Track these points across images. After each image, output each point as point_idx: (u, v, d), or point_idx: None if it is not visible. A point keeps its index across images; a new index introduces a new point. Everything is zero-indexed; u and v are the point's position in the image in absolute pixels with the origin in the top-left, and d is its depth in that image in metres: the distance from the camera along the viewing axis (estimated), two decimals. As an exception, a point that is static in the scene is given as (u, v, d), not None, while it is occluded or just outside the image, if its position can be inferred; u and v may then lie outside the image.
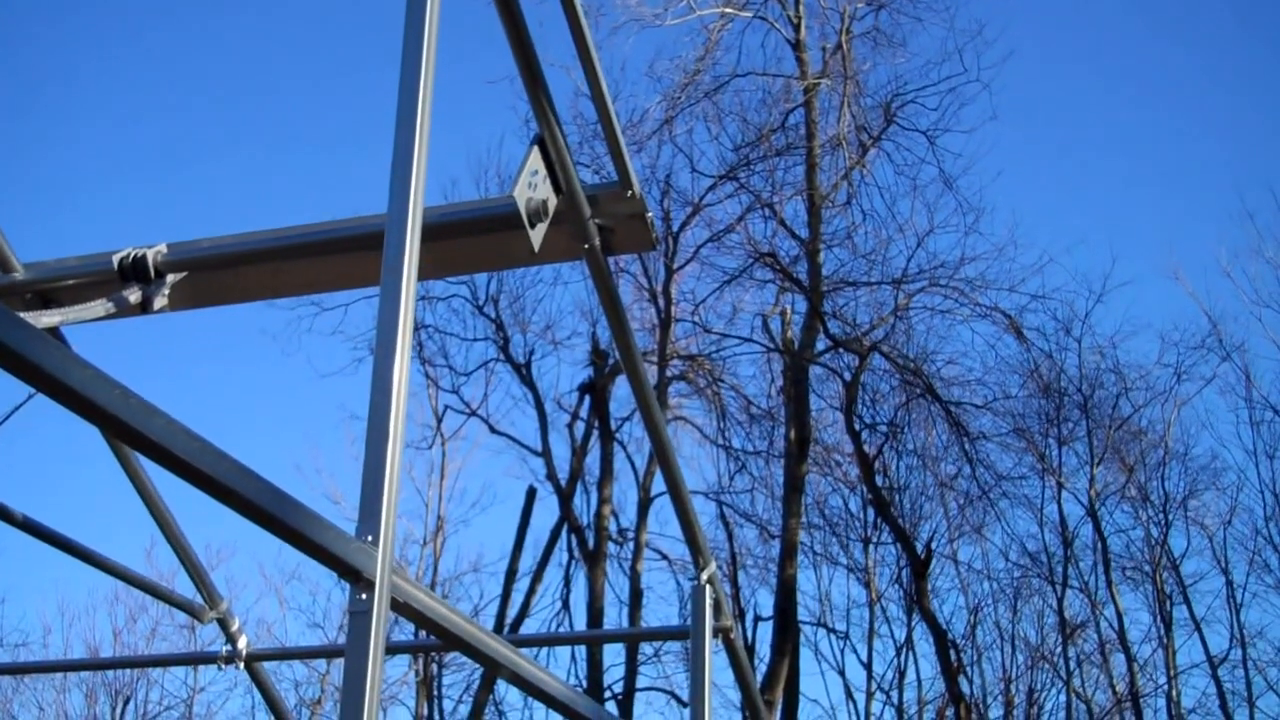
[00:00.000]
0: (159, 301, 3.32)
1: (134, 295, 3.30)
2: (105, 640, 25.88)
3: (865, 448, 19.90)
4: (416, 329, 21.87)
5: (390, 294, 2.34)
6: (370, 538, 2.15)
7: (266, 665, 5.62)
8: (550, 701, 3.00)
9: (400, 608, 2.26)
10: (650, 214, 3.28)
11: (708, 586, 4.06)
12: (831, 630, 23.37)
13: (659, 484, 20.75)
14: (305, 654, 10.13)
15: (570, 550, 21.79)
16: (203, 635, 22.09)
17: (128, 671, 25.56)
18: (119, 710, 25.93)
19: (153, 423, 1.75)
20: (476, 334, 22.43)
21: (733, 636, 4.34)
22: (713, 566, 4.08)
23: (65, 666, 14.56)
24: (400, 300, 2.34)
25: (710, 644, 3.95)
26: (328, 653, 9.39)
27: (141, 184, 31.46)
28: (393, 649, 10.45)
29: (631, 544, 21.23)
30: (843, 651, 23.34)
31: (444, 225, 3.24)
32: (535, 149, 3.00)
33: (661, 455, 3.79)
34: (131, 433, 1.75)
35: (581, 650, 20.59)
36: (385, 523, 2.17)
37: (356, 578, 2.11)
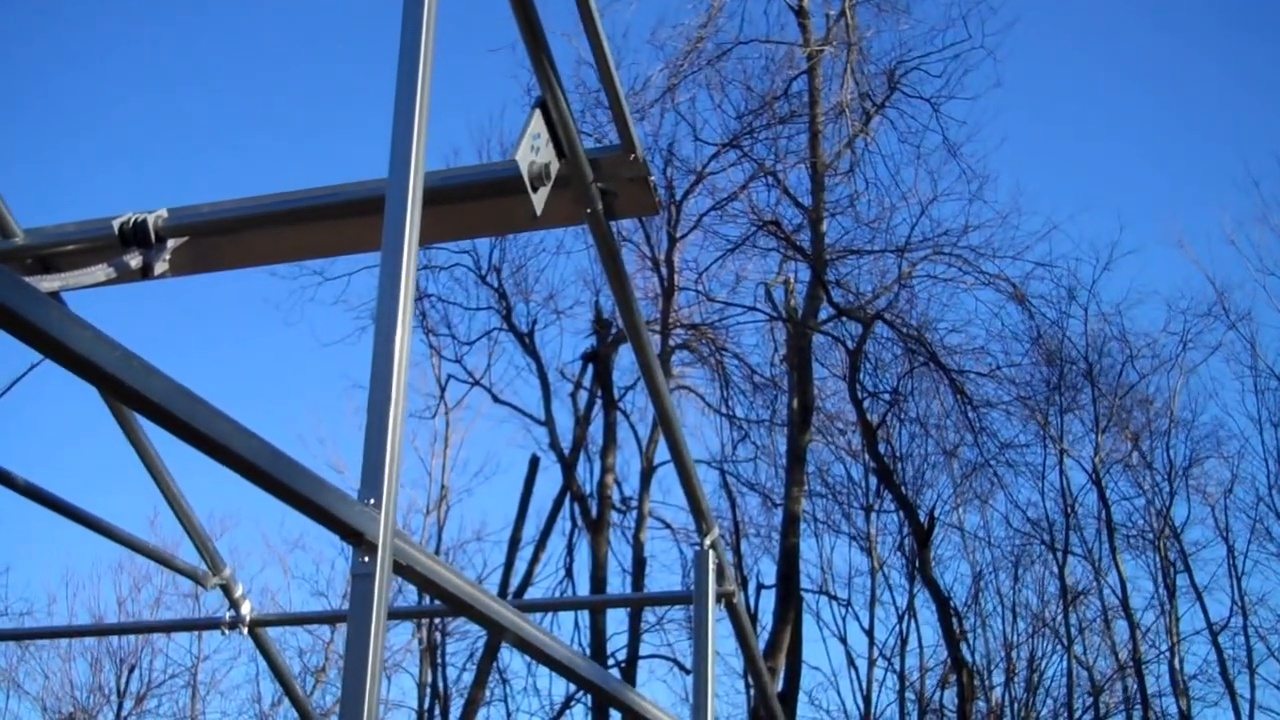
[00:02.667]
0: (160, 267, 3.31)
1: (134, 260, 3.29)
2: (110, 609, 26.04)
3: (868, 416, 19.91)
4: (419, 298, 21.97)
5: (391, 257, 2.33)
6: (372, 500, 2.15)
7: (271, 632, 5.64)
8: (553, 664, 3.00)
9: (403, 570, 2.26)
10: (653, 177, 3.27)
11: (711, 551, 4.06)
12: (834, 598, 23.47)
13: (662, 453, 20.79)
14: (309, 619, 10.18)
15: (573, 519, 21.85)
16: (207, 604, 22.18)
17: (132, 640, 25.70)
18: (124, 678, 26.08)
19: (152, 383, 1.74)
20: (479, 303, 22.43)
21: (735, 601, 4.34)
22: (716, 531, 4.08)
23: (69, 633, 14.64)
24: (402, 263, 2.33)
25: (713, 608, 3.95)
26: (331, 618, 9.43)
27: (142, 150, 31.45)
28: (395, 614, 10.49)
29: (634, 513, 21.29)
30: (845, 619, 23.44)
31: (446, 189, 3.22)
32: (537, 112, 2.98)
33: (664, 420, 3.79)
34: (131, 393, 1.74)
35: (585, 618, 20.66)
36: (387, 485, 2.17)
37: (359, 540, 2.11)
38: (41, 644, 25.27)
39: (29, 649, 25.47)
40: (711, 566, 4.02)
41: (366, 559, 2.12)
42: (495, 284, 22.16)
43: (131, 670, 26.07)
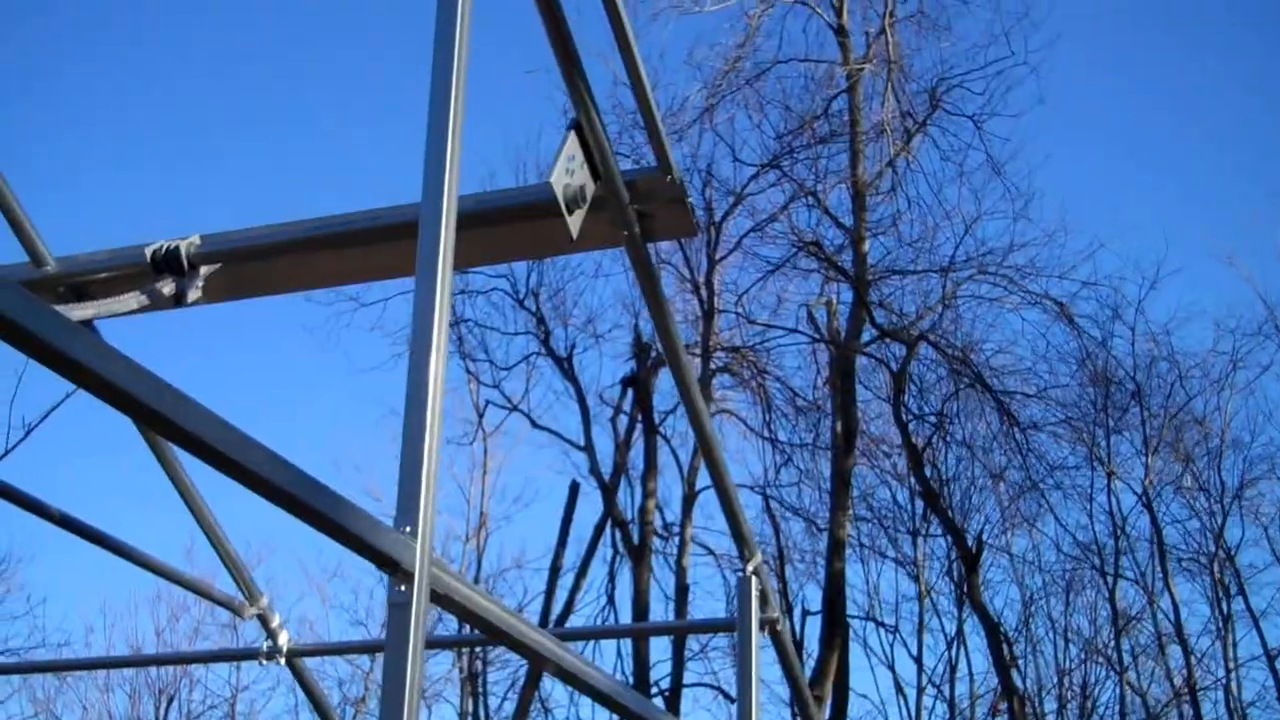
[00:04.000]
0: (192, 294, 3.33)
1: (167, 288, 3.31)
2: (147, 639, 26.14)
3: (914, 439, 19.80)
4: (456, 323, 22.05)
5: (426, 282, 2.33)
6: (409, 528, 2.14)
7: (309, 662, 5.65)
8: (595, 695, 2.98)
9: (440, 599, 2.24)
10: (690, 198, 3.26)
11: (754, 577, 4.03)
12: (881, 624, 23.32)
13: (704, 478, 20.71)
14: (346, 649, 10.19)
15: (615, 546, 21.81)
16: (245, 634, 22.26)
17: (171, 671, 25.82)
18: (163, 709, 26.17)
19: (185, 411, 1.75)
20: (517, 328, 22.47)
21: (780, 629, 4.31)
22: (759, 557, 4.05)
23: (106, 664, 14.69)
24: (436, 287, 2.32)
25: (757, 636, 3.93)
26: (369, 648, 9.44)
27: (173, 176, 31.74)
28: (435, 644, 10.47)
29: (677, 539, 21.21)
30: (892, 646, 23.28)
31: (480, 213, 3.23)
32: (572, 134, 2.98)
33: (705, 445, 3.77)
34: (164, 422, 1.74)
35: (627, 646, 20.58)
36: (424, 513, 2.16)
37: (395, 569, 2.11)
38: (79, 675, 25.42)
39: (66, 680, 25.63)
40: (754, 593, 3.99)
41: (403, 588, 2.11)
42: (533, 308, 22.22)
43: (170, 701, 26.18)
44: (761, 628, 4.04)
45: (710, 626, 11.64)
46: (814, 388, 20.95)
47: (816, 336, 20.53)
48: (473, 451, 24.16)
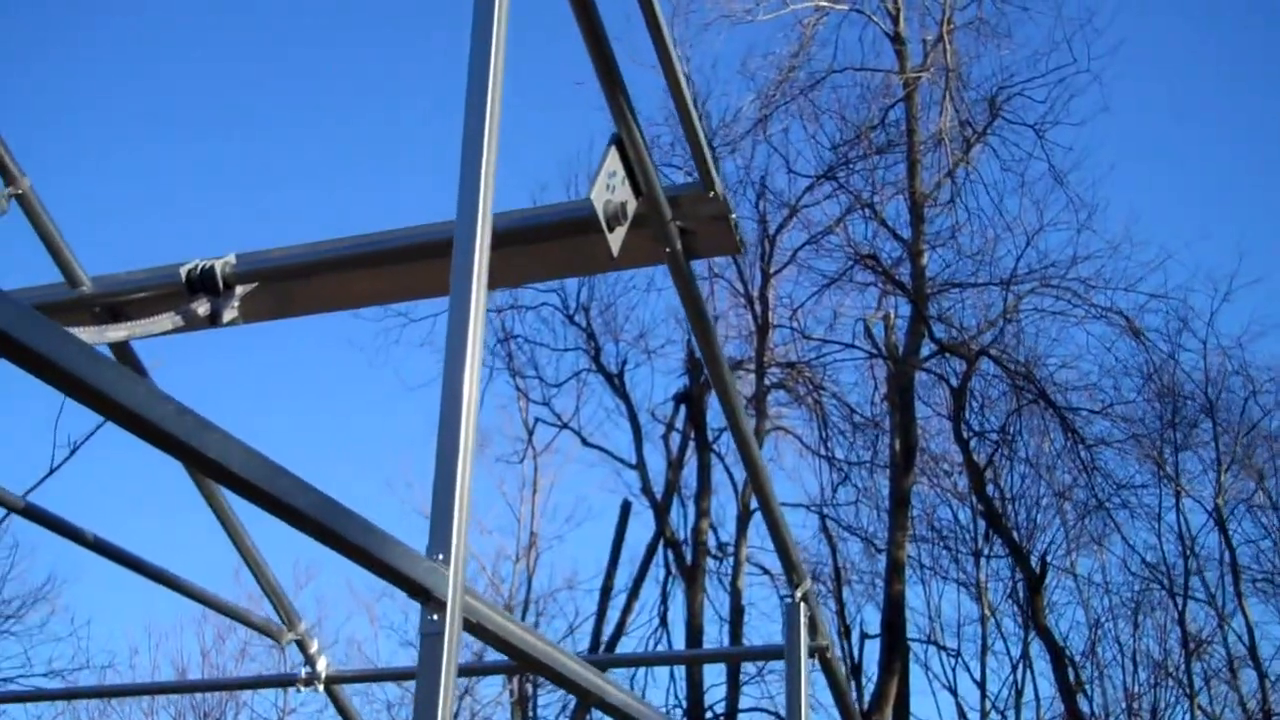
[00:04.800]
0: (228, 314, 3.35)
1: (202, 308, 3.33)
2: (193, 661, 26.32)
3: (975, 457, 19.65)
4: (506, 339, 22.13)
5: (459, 302, 2.32)
6: (441, 556, 2.13)
7: (353, 686, 5.66)
8: (610, 711, 2.96)
9: (473, 629, 2.23)
10: (734, 215, 3.24)
11: (802, 604, 4.00)
12: (942, 647, 23.09)
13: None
14: (385, 676, 10.19)
15: (667, 566, 21.74)
16: (292, 656, 22.36)
17: (217, 694, 25.95)
18: (206, 732, 26.33)
19: (207, 439, 1.74)
20: (567, 344, 22.50)
21: (830, 655, 4.27)
22: (808, 583, 4.02)
23: (145, 690, 14.83)
24: (470, 308, 2.32)
25: (806, 664, 3.89)
26: (410, 675, 9.45)
27: (207, 196, 32.06)
28: (481, 670, 10.45)
29: (731, 559, 21.14)
30: (954, 670, 23.03)
31: (520, 230, 3.22)
32: (613, 150, 2.97)
33: (752, 468, 3.75)
34: (186, 450, 1.74)
35: (681, 670, 20.52)
36: (456, 541, 2.15)
37: (427, 598, 2.09)
38: (124, 699, 25.62)
39: (111, 703, 25.83)
40: (804, 620, 3.96)
41: (435, 617, 2.10)
42: (584, 324, 22.25)
43: (214, 725, 26.34)
44: (811, 655, 4.01)
45: (759, 654, 11.57)
46: (872, 404, 20.87)
47: (874, 351, 20.43)
48: (522, 470, 24.19)
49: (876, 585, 20.68)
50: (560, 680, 2.53)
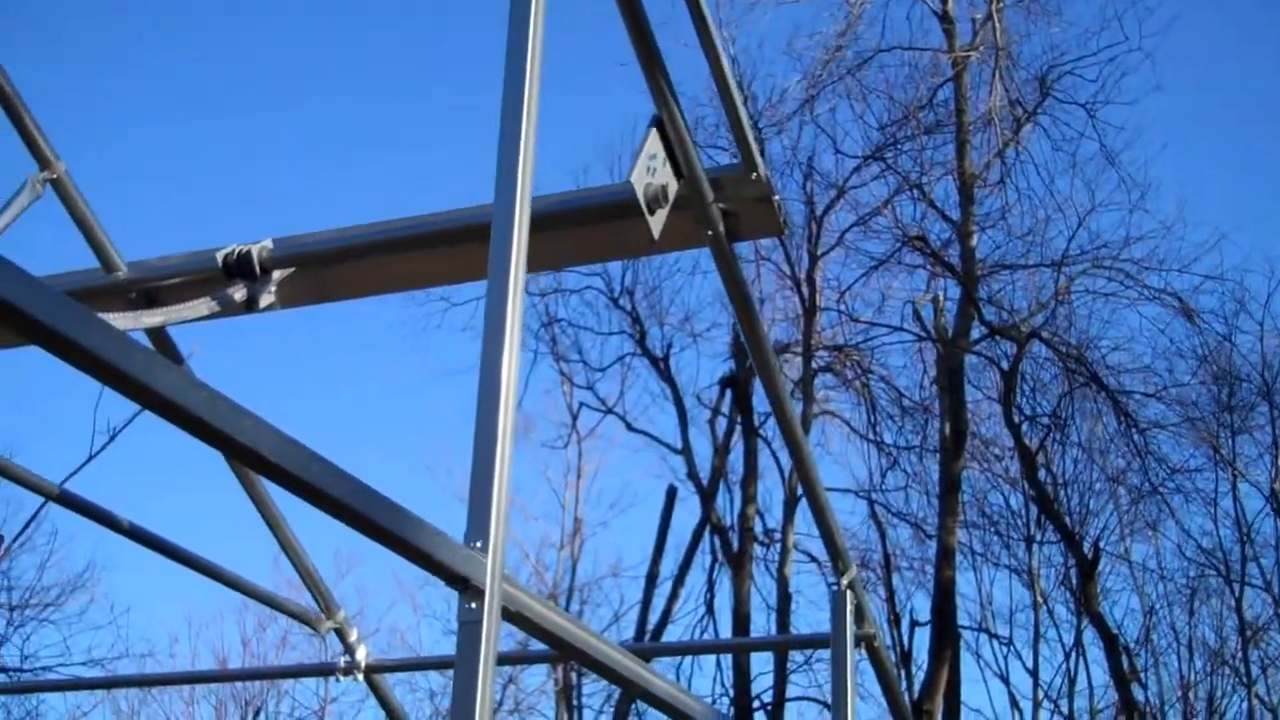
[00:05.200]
0: (265, 299, 3.35)
1: (239, 293, 3.33)
2: (233, 649, 26.46)
3: (1026, 441, 19.52)
4: (549, 323, 22.15)
5: (498, 285, 2.31)
6: (479, 543, 2.13)
7: (396, 675, 5.68)
8: (680, 716, 2.95)
9: (512, 617, 2.23)
10: (778, 197, 3.22)
11: (849, 592, 3.98)
12: (994, 635, 22.98)
13: (805, 483, 20.54)
14: (426, 664, 10.24)
15: (714, 552, 21.74)
16: (333, 645, 22.51)
17: (258, 682, 26.14)
18: (249, 722, 26.53)
19: (242, 425, 1.74)
20: (611, 328, 22.50)
21: (877, 644, 4.25)
22: (854, 570, 4.00)
23: (185, 679, 14.97)
24: (509, 291, 2.31)
25: (852, 652, 3.87)
26: (449, 663, 9.51)
27: (243, 180, 32.21)
28: (522, 659, 10.45)
29: (778, 545, 21.10)
30: (1006, 657, 22.93)
31: (559, 214, 3.21)
32: (653, 132, 2.95)
33: (796, 454, 3.73)
34: (221, 437, 1.74)
35: (727, 658, 20.51)
36: (495, 528, 2.15)
37: (465, 586, 2.09)
38: (164, 688, 25.80)
39: (151, 691, 26.03)
40: (850, 608, 3.94)
41: (473, 605, 2.09)
42: (628, 307, 22.25)
43: (257, 714, 26.51)
44: (858, 644, 3.99)
45: (805, 642, 11.54)
46: (921, 388, 20.76)
47: (923, 334, 20.33)
48: (566, 455, 24.23)
49: (927, 572, 20.60)
50: (601, 669, 2.52)
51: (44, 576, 23.23)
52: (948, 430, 18.63)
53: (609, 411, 23.06)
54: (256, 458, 1.78)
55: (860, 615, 4.02)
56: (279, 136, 32.47)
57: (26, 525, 22.52)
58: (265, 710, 26.53)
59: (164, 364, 1.67)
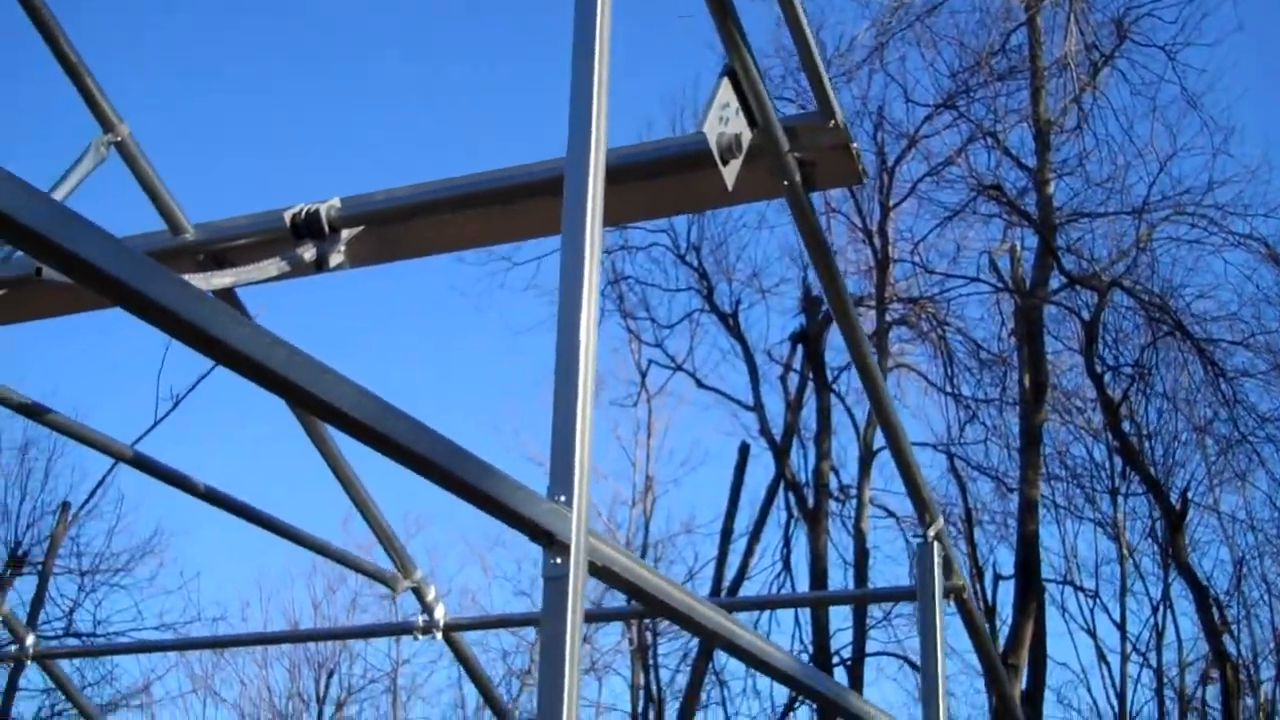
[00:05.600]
0: (334, 259, 3.37)
1: (308, 253, 3.35)
2: (305, 612, 26.79)
3: (1109, 392, 19.29)
4: (616, 281, 22.12)
5: (573, 240, 2.31)
6: (563, 498, 2.14)
7: (470, 635, 5.72)
8: (769, 670, 2.95)
9: (598, 571, 2.24)
10: (856, 144, 3.19)
11: (935, 544, 3.96)
12: (1080, 588, 22.84)
13: (881, 437, 20.46)
14: (505, 622, 10.31)
15: (789, 509, 21.72)
16: (404, 607, 22.76)
17: (330, 645, 26.49)
18: (322, 684, 26.87)
19: (323, 382, 1.76)
20: (679, 284, 22.45)
21: (965, 597, 4.23)
22: (940, 522, 3.98)
23: (261, 640, 15.17)
24: (584, 246, 2.31)
25: (941, 605, 3.85)
26: (531, 620, 9.57)
27: (308, 139, 32.32)
28: (600, 616, 10.48)
29: (854, 501, 21.04)
30: (1093, 611, 22.80)
31: (631, 167, 3.20)
32: (726, 81, 2.93)
33: (879, 404, 3.71)
34: (304, 395, 1.76)
35: (806, 614, 20.50)
36: (579, 482, 2.15)
37: (550, 541, 2.10)
38: (237, 650, 26.16)
39: (224, 655, 26.42)
40: (937, 560, 3.92)
41: (559, 560, 2.11)
42: (695, 263, 22.18)
43: (330, 676, 26.88)
44: (946, 596, 3.97)
45: (890, 595, 11.50)
46: (999, 339, 20.56)
47: (1000, 285, 20.12)
48: (636, 414, 24.27)
49: (1009, 526, 20.49)
50: (688, 623, 2.53)
51: (113, 543, 23.68)
52: (1027, 382, 18.47)
53: (678, 369, 23.07)
54: (341, 416, 1.79)
55: (948, 567, 4.00)
56: (345, 93, 32.60)
57: (94, 491, 22.96)
58: (339, 672, 26.91)
59: (247, 323, 1.68)
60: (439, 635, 5.35)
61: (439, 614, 5.34)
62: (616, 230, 20.50)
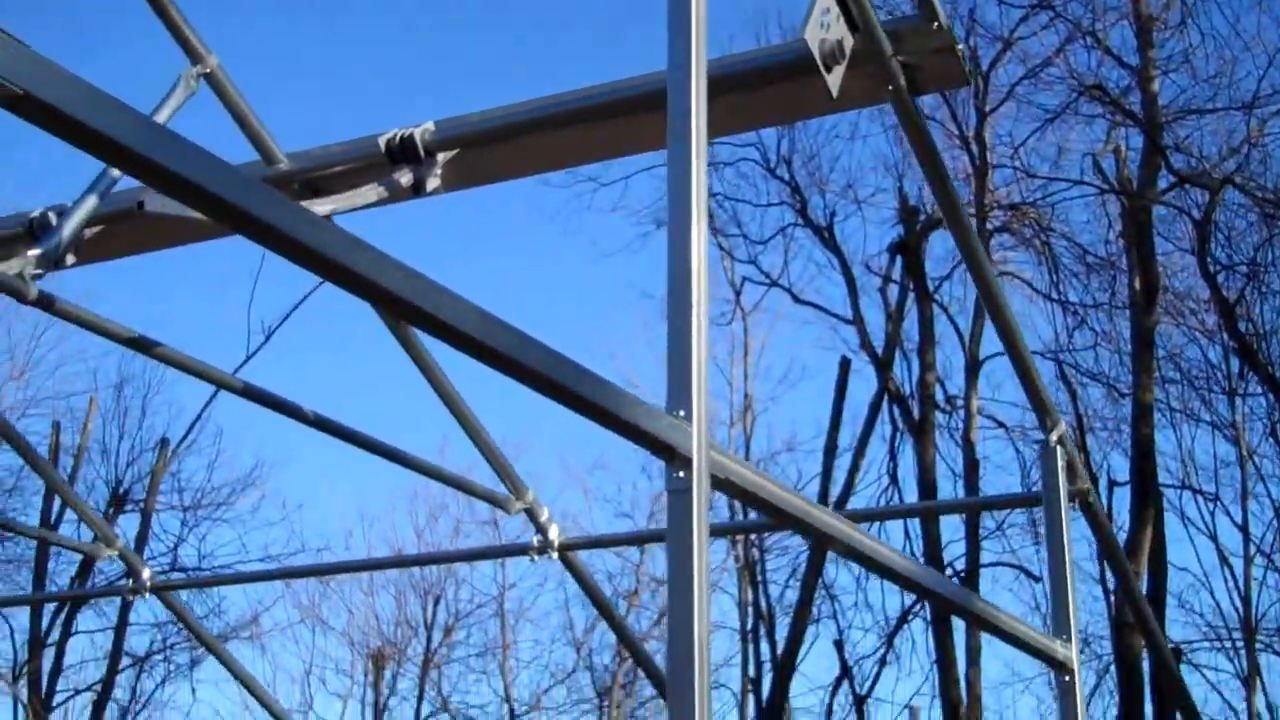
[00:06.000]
0: (431, 183, 3.38)
1: (405, 178, 3.36)
2: (407, 540, 27.16)
3: (1224, 292, 18.92)
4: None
5: (679, 155, 2.30)
6: (682, 412, 2.14)
7: (579, 556, 5.76)
8: (890, 575, 2.96)
9: (721, 484, 2.24)
10: (961, 46, 3.14)
11: (1059, 448, 3.92)
12: (1199, 492, 22.50)
13: (987, 346, 20.30)
14: (619, 541, 10.39)
15: (893, 422, 21.60)
16: (507, 531, 23.05)
17: (435, 571, 26.86)
18: (429, 610, 27.28)
19: (442, 302, 1.77)
20: (770, 199, 22.26)
21: (1091, 499, 4.19)
22: (1062, 426, 3.94)
23: (375, 565, 15.40)
24: (690, 159, 2.30)
25: (1067, 509, 3.82)
26: (642, 538, 9.64)
27: (397, 61, 32.28)
28: (723, 530, 10.36)
29: (961, 411, 20.89)
30: (1213, 514, 22.46)
31: (729, 77, 3.17)
32: (825, -17, 2.89)
33: (994, 307, 3.66)
34: (426, 317, 1.77)
35: (915, 528, 20.43)
36: (697, 395, 2.16)
37: (672, 455, 2.11)
38: (343, 579, 26.59)
39: (330, 585, 26.88)
40: (1061, 463, 3.88)
41: (681, 474, 2.12)
42: (786, 177, 21.97)
43: (437, 601, 27.30)
44: (1071, 500, 3.93)
45: (1014, 501, 11.40)
46: (1106, 243, 20.21)
47: (1105, 187, 19.74)
48: (732, 331, 24.18)
49: (1122, 431, 20.24)
50: (812, 532, 2.54)
51: (213, 477, 24.20)
52: (1137, 285, 18.17)
53: (773, 284, 22.93)
54: (459, 335, 1.81)
55: (1071, 471, 3.96)
56: (438, 9, 32.50)
57: (192, 426, 23.43)
58: (445, 598, 27.31)
59: (364, 246, 1.70)
60: (554, 555, 5.40)
61: (553, 534, 5.39)
62: (647, 151, 20.35)
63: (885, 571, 2.89)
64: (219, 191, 1.48)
